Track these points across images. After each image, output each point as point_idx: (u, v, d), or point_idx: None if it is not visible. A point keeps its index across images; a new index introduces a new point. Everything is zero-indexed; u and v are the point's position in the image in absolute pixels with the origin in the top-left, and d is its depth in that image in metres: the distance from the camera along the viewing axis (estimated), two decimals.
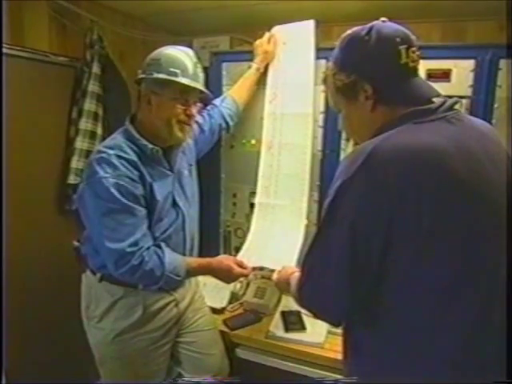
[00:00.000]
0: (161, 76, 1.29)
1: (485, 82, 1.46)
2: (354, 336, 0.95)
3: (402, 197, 0.78)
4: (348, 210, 0.82)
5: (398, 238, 0.79)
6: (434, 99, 0.91)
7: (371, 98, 0.91)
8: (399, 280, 0.82)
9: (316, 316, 0.97)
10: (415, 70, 0.91)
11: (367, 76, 0.90)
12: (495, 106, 1.46)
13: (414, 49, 0.89)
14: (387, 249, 0.80)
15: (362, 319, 0.90)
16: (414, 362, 0.85)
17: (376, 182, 0.79)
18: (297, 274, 1.14)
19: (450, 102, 0.90)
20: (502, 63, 1.44)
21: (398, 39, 0.88)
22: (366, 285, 0.84)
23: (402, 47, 0.87)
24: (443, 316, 0.82)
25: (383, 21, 0.92)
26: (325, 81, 1.03)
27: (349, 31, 0.95)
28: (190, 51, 1.38)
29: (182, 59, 1.33)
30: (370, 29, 0.90)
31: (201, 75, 1.37)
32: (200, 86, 1.36)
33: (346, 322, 0.96)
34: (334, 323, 1.00)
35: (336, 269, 0.84)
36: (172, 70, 1.29)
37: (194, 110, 1.36)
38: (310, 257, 0.91)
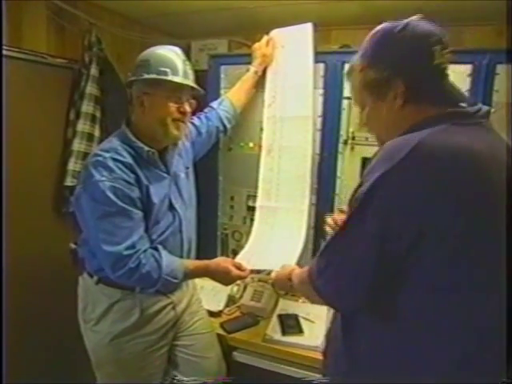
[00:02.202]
0: (151, 76, 1.30)
1: (482, 86, 1.47)
2: (360, 324, 0.93)
3: (441, 196, 0.77)
4: (384, 201, 0.79)
5: (430, 237, 0.78)
6: (463, 103, 0.90)
7: (402, 96, 0.89)
8: (423, 278, 0.81)
9: (329, 302, 0.95)
10: (445, 72, 0.91)
11: (401, 73, 0.88)
12: (492, 110, 1.46)
13: (446, 50, 0.88)
14: (417, 244, 0.78)
15: (376, 309, 0.88)
16: (423, 358, 0.84)
17: (418, 178, 0.77)
18: (299, 270, 1.13)
19: (485, 108, 0.90)
20: (499, 68, 1.45)
21: (431, 39, 0.86)
22: (388, 276, 0.83)
23: (436, 47, 0.86)
24: (463, 317, 0.82)
25: (418, 18, 0.91)
26: (349, 76, 1.00)
27: (381, 26, 0.93)
28: (177, 50, 1.39)
29: (171, 58, 1.34)
30: (405, 26, 0.88)
31: (190, 72, 1.38)
32: (191, 82, 1.36)
33: (353, 311, 0.94)
34: (347, 311, 0.96)
35: (362, 257, 0.83)
36: (162, 69, 1.30)
37: (187, 107, 1.37)
38: (338, 241, 0.89)
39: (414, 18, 0.91)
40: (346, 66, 1.61)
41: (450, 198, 0.77)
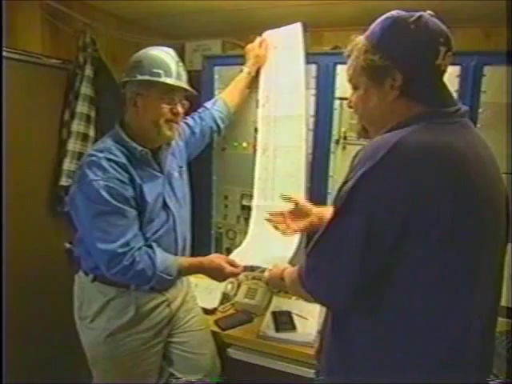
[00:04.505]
0: (144, 78, 1.31)
1: (470, 87, 1.50)
2: (350, 324, 0.93)
3: (424, 192, 0.78)
4: (368, 198, 0.81)
5: (414, 232, 0.79)
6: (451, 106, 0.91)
7: (397, 88, 0.88)
8: (408, 272, 0.83)
9: (320, 301, 0.95)
10: (443, 74, 0.90)
11: (402, 65, 0.87)
12: (480, 110, 1.51)
13: (450, 53, 0.87)
14: (401, 241, 0.80)
15: (364, 307, 0.89)
16: (409, 353, 0.86)
17: (399, 174, 0.79)
18: (290, 269, 1.14)
19: (464, 108, 0.91)
20: (486, 70, 1.49)
21: (441, 39, 0.86)
22: (375, 273, 0.84)
23: (443, 48, 0.86)
24: (448, 311, 0.84)
25: (430, 14, 0.88)
26: (350, 54, 0.96)
27: (394, 12, 0.90)
28: (171, 51, 1.40)
29: (164, 59, 1.35)
30: (418, 19, 0.86)
31: (184, 74, 1.39)
32: (184, 84, 1.38)
33: (344, 308, 0.93)
34: (338, 308, 0.96)
35: (349, 255, 0.83)
36: (155, 70, 1.32)
37: (180, 108, 1.38)
38: (325, 239, 0.88)
39: (426, 13, 0.88)
40: (338, 67, 1.67)
41: (429, 192, 0.78)
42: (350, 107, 1.03)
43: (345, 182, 0.85)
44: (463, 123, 0.89)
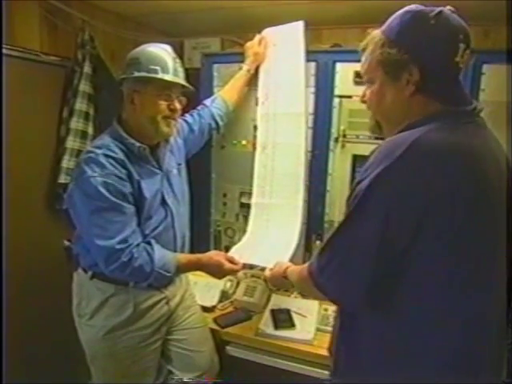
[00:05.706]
0: (141, 74, 1.31)
1: (469, 85, 1.50)
2: (359, 323, 0.93)
3: (440, 192, 0.78)
4: (384, 197, 0.80)
5: (428, 232, 0.79)
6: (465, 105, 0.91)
7: (414, 83, 0.87)
8: (421, 272, 0.82)
9: (332, 298, 0.94)
10: (460, 71, 0.89)
11: (420, 60, 0.85)
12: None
13: (468, 51, 0.86)
14: (415, 240, 0.80)
15: (375, 306, 0.88)
16: (417, 354, 0.85)
17: (416, 174, 0.78)
18: (295, 267, 1.14)
19: (480, 107, 0.90)
20: (485, 68, 1.50)
21: (461, 36, 0.84)
22: (387, 272, 0.83)
23: (462, 45, 0.84)
24: (460, 311, 0.83)
25: (451, 10, 0.86)
26: (365, 48, 0.95)
27: (413, 6, 0.88)
28: (167, 47, 1.40)
29: (161, 56, 1.35)
30: (438, 14, 0.84)
31: (180, 70, 1.39)
32: (181, 80, 1.38)
33: (357, 307, 0.92)
34: (350, 306, 0.95)
35: (363, 253, 0.83)
36: (152, 67, 1.32)
37: (177, 105, 1.38)
38: (339, 237, 0.88)
39: (446, 8, 0.86)
40: (338, 65, 1.67)
41: (446, 192, 0.78)
42: (364, 102, 1.01)
43: (359, 181, 0.84)
44: (479, 123, 0.89)
